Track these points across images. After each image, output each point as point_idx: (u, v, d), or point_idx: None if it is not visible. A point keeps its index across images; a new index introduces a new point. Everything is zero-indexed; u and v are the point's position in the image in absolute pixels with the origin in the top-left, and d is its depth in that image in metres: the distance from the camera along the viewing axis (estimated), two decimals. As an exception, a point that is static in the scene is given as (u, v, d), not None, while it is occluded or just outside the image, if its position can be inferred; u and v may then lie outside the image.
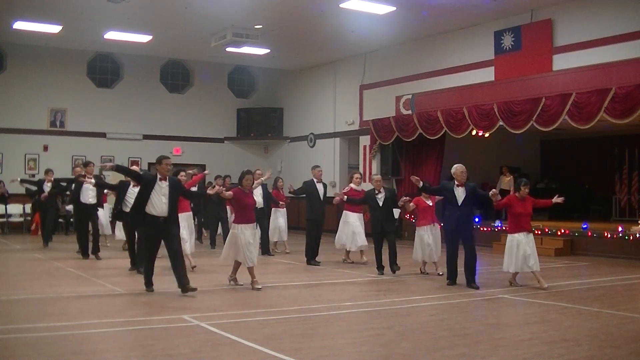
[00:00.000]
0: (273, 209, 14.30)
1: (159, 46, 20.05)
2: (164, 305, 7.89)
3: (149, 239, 8.90)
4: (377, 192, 11.00)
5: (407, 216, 16.80)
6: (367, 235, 12.29)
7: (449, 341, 6.18)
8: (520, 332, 6.73)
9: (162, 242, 8.80)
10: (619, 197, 19.48)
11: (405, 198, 11.01)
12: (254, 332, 6.57)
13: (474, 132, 16.68)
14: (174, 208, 8.79)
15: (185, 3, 15.42)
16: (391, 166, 18.62)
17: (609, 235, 13.94)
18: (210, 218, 15.61)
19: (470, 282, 9.43)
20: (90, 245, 12.90)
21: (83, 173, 13.06)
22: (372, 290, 9.60)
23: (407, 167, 18.61)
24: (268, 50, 19.86)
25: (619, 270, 11.75)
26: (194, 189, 11.80)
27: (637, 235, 13.44)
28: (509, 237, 9.52)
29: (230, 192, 9.32)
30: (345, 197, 11.79)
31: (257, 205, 11.07)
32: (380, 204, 10.92)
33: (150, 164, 19.48)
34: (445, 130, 16.88)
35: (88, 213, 12.92)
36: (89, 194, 12.89)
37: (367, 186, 14.06)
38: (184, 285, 8.53)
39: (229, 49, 18.99)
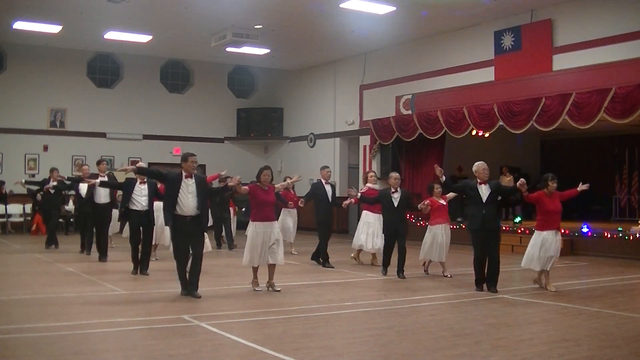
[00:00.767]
0: (283, 209, 13.97)
1: (159, 46, 20.06)
2: (164, 305, 7.89)
3: (178, 248, 8.46)
4: (393, 190, 10.61)
5: (408, 216, 16.74)
6: None
7: (449, 341, 6.17)
8: (520, 332, 6.72)
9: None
10: (619, 197, 19.48)
11: (425, 202, 10.71)
12: (254, 332, 6.57)
13: (474, 132, 16.68)
14: (203, 206, 8.39)
15: (185, 3, 15.43)
16: (391, 166, 18.55)
17: (609, 235, 13.94)
18: (213, 218, 15.53)
19: (491, 287, 9.01)
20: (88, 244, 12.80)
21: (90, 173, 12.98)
22: (373, 290, 9.59)
23: (407, 167, 18.62)
24: (268, 50, 19.86)
25: (619, 270, 11.76)
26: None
27: (637, 235, 13.44)
28: (536, 233, 9.24)
29: (246, 187, 8.78)
30: (359, 194, 11.38)
31: None
32: (396, 204, 10.53)
33: (150, 164, 19.46)
34: (445, 130, 16.89)
35: (102, 213, 12.81)
36: (100, 194, 12.80)
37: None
38: (191, 292, 8.34)
39: (229, 49, 19.00)
